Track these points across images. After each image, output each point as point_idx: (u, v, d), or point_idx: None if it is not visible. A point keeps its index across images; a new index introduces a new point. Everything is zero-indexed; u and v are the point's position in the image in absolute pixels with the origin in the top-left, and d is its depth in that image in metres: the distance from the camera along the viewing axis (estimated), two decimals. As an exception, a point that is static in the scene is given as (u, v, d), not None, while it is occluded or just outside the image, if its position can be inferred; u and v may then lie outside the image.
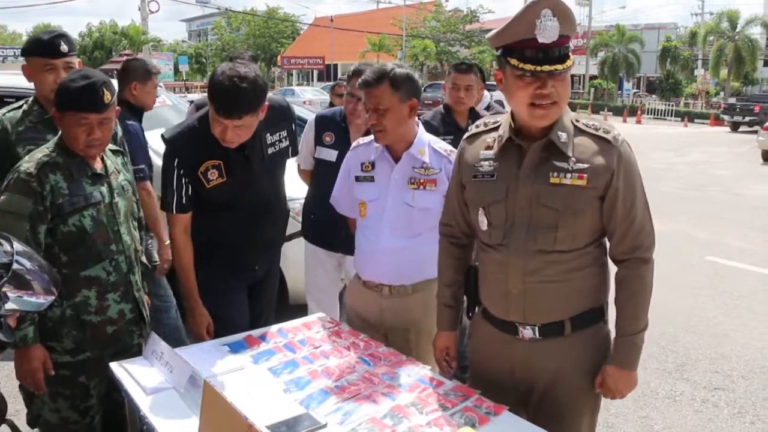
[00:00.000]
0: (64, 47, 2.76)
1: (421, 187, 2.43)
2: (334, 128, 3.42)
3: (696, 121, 30.75)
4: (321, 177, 3.32)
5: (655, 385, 4.08)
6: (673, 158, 16.40)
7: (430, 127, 3.64)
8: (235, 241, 2.70)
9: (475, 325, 2.19)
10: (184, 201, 2.58)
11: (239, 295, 2.80)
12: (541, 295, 1.96)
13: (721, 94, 37.15)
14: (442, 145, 2.53)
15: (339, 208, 2.77)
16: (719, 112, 28.11)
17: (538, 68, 1.79)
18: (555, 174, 1.89)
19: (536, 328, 1.99)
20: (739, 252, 7.35)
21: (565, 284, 1.95)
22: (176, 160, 2.54)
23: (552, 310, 1.98)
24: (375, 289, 2.54)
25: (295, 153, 2.94)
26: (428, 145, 2.48)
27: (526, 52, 1.81)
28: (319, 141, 3.43)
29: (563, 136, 1.89)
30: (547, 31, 1.78)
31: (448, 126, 3.64)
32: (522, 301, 1.97)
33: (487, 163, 2.01)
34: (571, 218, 1.89)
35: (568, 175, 1.88)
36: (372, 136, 2.53)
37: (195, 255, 2.65)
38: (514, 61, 1.82)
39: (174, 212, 2.60)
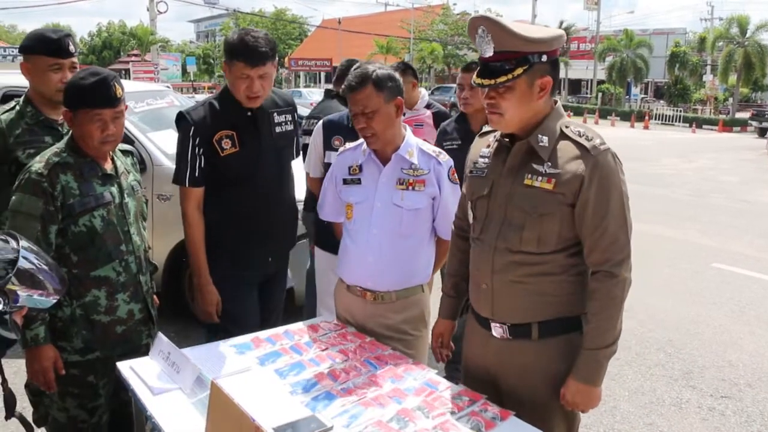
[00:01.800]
0: (72, 47, 2.74)
1: (410, 187, 2.44)
2: (342, 132, 3.40)
3: (704, 126, 30.69)
4: None
5: (661, 393, 4.07)
6: (680, 164, 16.36)
7: (443, 133, 3.65)
8: (248, 226, 2.77)
9: (467, 319, 2.26)
10: (197, 173, 2.69)
11: (251, 294, 2.87)
12: (506, 294, 2.00)
13: (730, 100, 37.02)
14: (430, 146, 2.55)
15: (322, 213, 2.76)
16: (730, 118, 28.01)
17: (475, 80, 1.94)
18: (529, 176, 1.94)
19: (506, 327, 2.03)
20: (746, 259, 7.32)
21: (530, 287, 1.98)
22: (192, 130, 2.67)
23: (517, 311, 2.01)
24: (358, 294, 2.54)
25: (298, 151, 3.09)
26: (416, 146, 2.49)
27: (479, 64, 1.95)
28: (328, 146, 3.42)
29: (544, 139, 1.93)
30: (482, 47, 1.89)
31: (461, 132, 3.58)
32: (490, 297, 2.04)
33: (483, 160, 2.11)
34: (538, 221, 1.93)
35: (540, 178, 1.92)
36: (359, 141, 2.54)
37: (210, 244, 2.74)
38: None
39: (186, 185, 2.70)
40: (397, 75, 2.44)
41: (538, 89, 1.91)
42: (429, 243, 2.56)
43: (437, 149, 2.56)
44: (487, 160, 2.09)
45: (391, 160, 2.46)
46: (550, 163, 1.91)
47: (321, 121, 3.56)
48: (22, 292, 1.61)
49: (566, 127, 1.96)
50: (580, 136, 1.93)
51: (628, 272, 1.93)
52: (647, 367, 4.44)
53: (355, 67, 2.46)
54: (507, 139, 2.04)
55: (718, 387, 4.18)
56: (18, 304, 1.61)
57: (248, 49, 2.59)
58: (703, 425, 3.70)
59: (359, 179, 2.51)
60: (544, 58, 1.89)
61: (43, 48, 2.69)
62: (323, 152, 3.46)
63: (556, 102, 2.01)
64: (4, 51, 31.95)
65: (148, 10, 35.59)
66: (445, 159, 2.51)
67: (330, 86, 4.46)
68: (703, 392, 4.10)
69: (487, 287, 2.04)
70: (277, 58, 2.77)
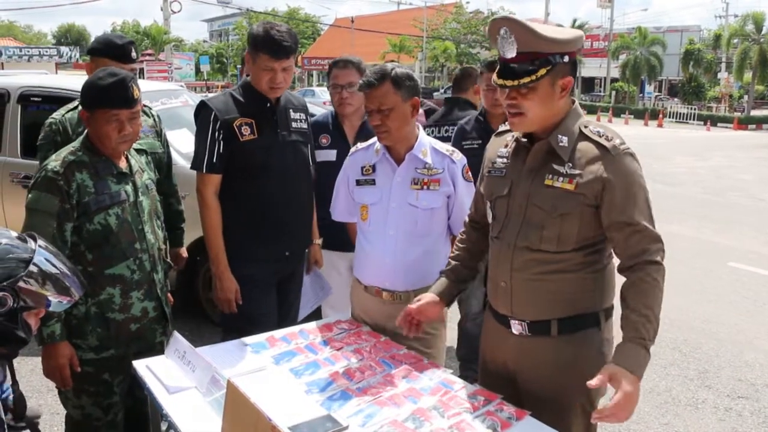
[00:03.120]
0: (134, 54, 2.85)
1: (425, 187, 2.44)
2: (327, 129, 3.45)
3: (719, 124, 30.41)
4: (325, 179, 3.32)
5: (676, 392, 4.04)
6: (695, 162, 16.22)
7: (463, 132, 3.63)
8: (263, 219, 2.80)
9: (485, 317, 2.25)
10: (214, 159, 2.73)
11: (268, 294, 2.89)
12: (525, 291, 2.00)
13: (745, 97, 36.64)
14: (443, 145, 2.55)
15: (335, 213, 2.76)
16: (745, 116, 27.66)
17: (496, 81, 1.94)
18: (550, 176, 1.94)
19: (525, 324, 2.03)
20: (762, 258, 7.23)
21: (549, 284, 1.97)
22: (213, 114, 2.73)
23: (536, 308, 2.00)
24: (376, 294, 2.54)
25: (313, 158, 3.12)
26: (429, 145, 2.49)
27: (499, 64, 1.95)
28: (316, 145, 3.45)
29: (564, 140, 1.93)
30: (504, 48, 1.89)
31: (481, 131, 3.55)
32: (509, 295, 2.03)
33: (501, 160, 2.11)
34: (558, 220, 1.92)
35: (560, 179, 1.92)
36: (371, 140, 2.54)
37: (225, 239, 2.77)
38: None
39: (204, 171, 2.74)
40: (415, 75, 2.44)
41: (560, 89, 1.92)
42: (445, 241, 2.56)
43: (450, 148, 2.56)
44: (505, 160, 2.10)
45: (405, 159, 2.45)
46: (570, 164, 1.91)
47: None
48: (53, 298, 1.63)
49: (585, 127, 1.96)
50: (599, 136, 1.92)
51: (664, 261, 1.89)
52: (662, 366, 4.40)
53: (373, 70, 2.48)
54: (525, 140, 2.04)
55: (735, 387, 4.14)
56: (50, 309, 1.63)
57: (274, 43, 2.68)
58: (719, 425, 3.67)
59: (373, 180, 2.51)
60: (566, 58, 1.89)
61: (107, 51, 2.83)
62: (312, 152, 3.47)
63: (574, 102, 2.01)
64: (21, 51, 32.30)
65: (161, 9, 35.76)
66: (459, 157, 2.51)
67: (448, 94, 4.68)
68: (720, 392, 4.06)
69: (506, 285, 2.04)
70: (298, 49, 2.87)
